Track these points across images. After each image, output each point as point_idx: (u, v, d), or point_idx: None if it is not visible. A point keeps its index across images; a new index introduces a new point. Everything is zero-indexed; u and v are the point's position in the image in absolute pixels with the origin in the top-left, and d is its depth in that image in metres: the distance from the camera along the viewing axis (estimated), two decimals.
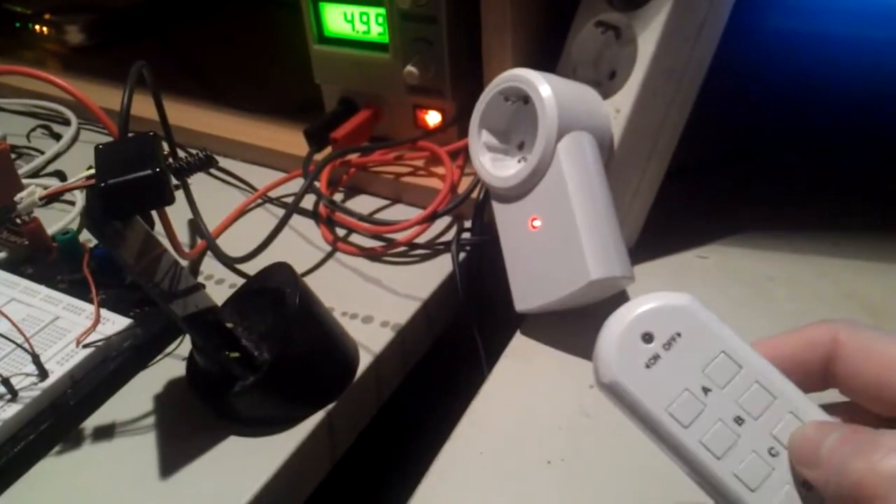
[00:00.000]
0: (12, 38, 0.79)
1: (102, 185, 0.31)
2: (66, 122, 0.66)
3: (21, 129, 0.65)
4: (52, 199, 0.53)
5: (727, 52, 0.43)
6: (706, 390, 0.23)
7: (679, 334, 0.23)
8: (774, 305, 0.42)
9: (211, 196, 0.55)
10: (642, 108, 0.40)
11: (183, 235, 0.51)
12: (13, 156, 0.62)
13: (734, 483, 0.23)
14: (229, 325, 0.38)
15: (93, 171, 0.33)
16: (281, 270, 0.39)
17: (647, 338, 0.23)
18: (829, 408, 0.24)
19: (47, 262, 0.46)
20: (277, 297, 0.38)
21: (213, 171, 0.58)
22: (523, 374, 0.39)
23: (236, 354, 0.37)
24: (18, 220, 0.42)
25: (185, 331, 0.34)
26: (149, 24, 0.80)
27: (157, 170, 0.31)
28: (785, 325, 0.24)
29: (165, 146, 0.38)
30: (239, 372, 0.36)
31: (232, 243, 0.48)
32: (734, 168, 0.53)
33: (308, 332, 0.38)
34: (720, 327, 0.23)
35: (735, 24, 0.43)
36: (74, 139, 0.64)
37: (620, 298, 0.41)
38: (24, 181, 0.47)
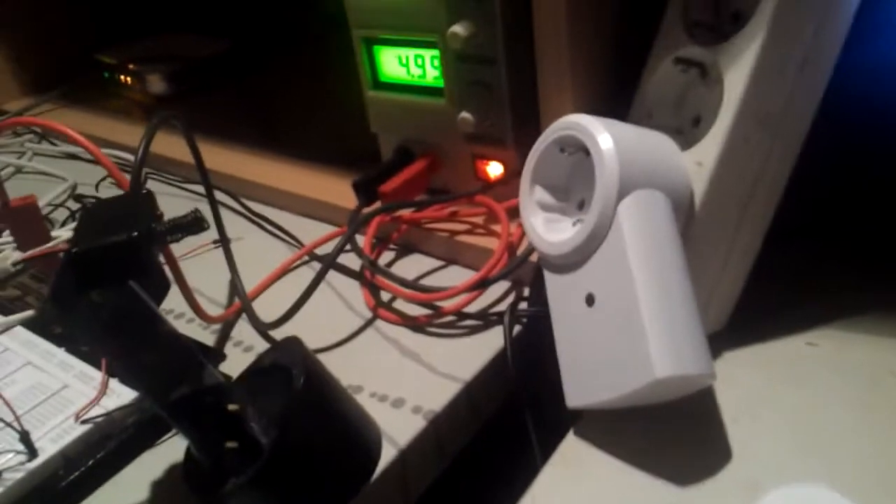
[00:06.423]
0: (101, 87, 0.80)
1: (73, 251, 0.27)
2: None
3: (92, 178, 0.65)
4: None
5: (846, 92, 0.35)
6: None
7: None
8: None
9: (257, 251, 0.52)
10: (730, 160, 0.33)
11: (221, 295, 0.48)
12: (77, 205, 0.62)
13: None
14: (234, 407, 0.33)
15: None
16: (290, 345, 0.34)
17: None
18: None
19: None
20: (287, 376, 0.33)
21: (262, 224, 0.54)
22: (572, 492, 0.32)
23: (233, 444, 0.32)
24: None
25: (164, 417, 0.30)
26: (230, 72, 0.80)
27: (135, 234, 0.27)
28: None
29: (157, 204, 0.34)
30: (234, 465, 0.31)
31: (271, 305, 0.44)
32: (852, 234, 0.43)
33: (314, 420, 0.32)
34: None
35: (856, 61, 0.35)
36: None
37: (702, 395, 0.34)
38: None
